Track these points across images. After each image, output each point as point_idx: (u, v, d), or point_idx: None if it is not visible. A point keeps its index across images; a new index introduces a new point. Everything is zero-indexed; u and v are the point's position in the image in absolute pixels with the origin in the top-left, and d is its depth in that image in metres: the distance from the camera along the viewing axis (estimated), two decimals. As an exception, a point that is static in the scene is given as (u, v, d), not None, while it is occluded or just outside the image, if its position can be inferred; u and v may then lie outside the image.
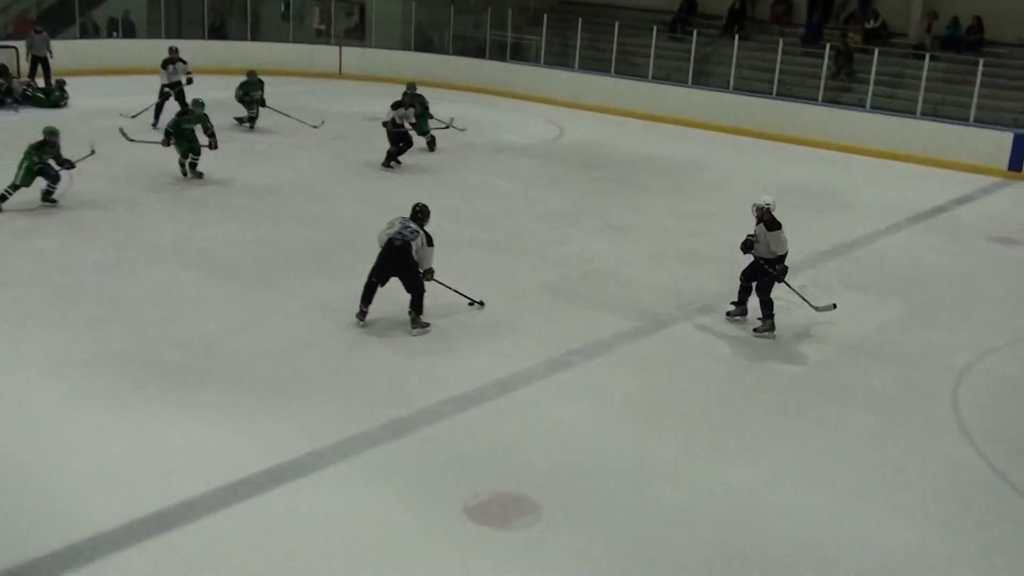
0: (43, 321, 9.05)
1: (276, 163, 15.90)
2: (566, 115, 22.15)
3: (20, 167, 12.34)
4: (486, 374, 8.45)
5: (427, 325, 9.26)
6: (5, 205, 12.25)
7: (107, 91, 20.89)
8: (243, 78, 18.84)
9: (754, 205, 9.55)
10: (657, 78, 22.94)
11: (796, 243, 10.01)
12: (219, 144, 14.73)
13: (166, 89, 18.14)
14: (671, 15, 25.06)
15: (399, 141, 16.05)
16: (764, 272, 9.61)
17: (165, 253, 11.04)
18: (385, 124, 16.10)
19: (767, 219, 9.46)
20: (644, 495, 6.67)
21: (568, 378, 8.55)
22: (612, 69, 23.52)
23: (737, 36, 22.33)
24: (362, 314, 9.23)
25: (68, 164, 12.69)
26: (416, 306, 9.24)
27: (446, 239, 12.15)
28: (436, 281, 9.41)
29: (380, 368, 8.51)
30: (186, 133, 14.36)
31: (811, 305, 9.90)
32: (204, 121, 14.52)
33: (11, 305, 9.39)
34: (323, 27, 27.65)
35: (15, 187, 12.27)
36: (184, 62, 18.61)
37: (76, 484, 6.43)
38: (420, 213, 9.37)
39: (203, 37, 25.52)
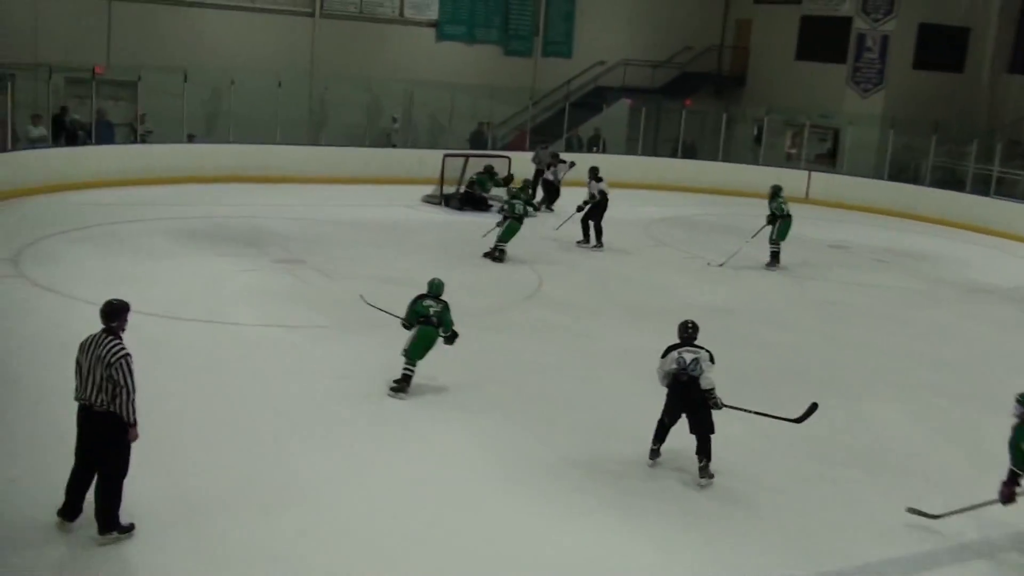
0: (496, 413, 9.63)
1: (733, 283, 15.90)
2: (1052, 258, 20.14)
3: None
4: (939, 535, 7.70)
5: (712, 476, 8.30)
6: None
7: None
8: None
9: None
10: None
11: None
12: None
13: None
14: None
15: None
16: None
17: (615, 360, 11.36)
18: None
19: None
20: None
21: (1035, 557, 7.55)
22: (1117, 212, 21.13)
23: None
24: (654, 453, 8.59)
25: None
26: (706, 451, 8.28)
27: (900, 380, 11.55)
28: (731, 407, 8.43)
29: (820, 512, 8.06)
30: None
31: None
32: None
33: (469, 393, 10.10)
34: (794, 151, 27.59)
35: None
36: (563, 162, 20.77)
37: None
38: (694, 331, 8.47)
39: (675, 156, 26.51)
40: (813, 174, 25.48)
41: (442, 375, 10.52)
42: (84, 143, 20.46)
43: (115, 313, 6.72)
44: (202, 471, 7.86)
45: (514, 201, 16.65)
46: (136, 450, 6.70)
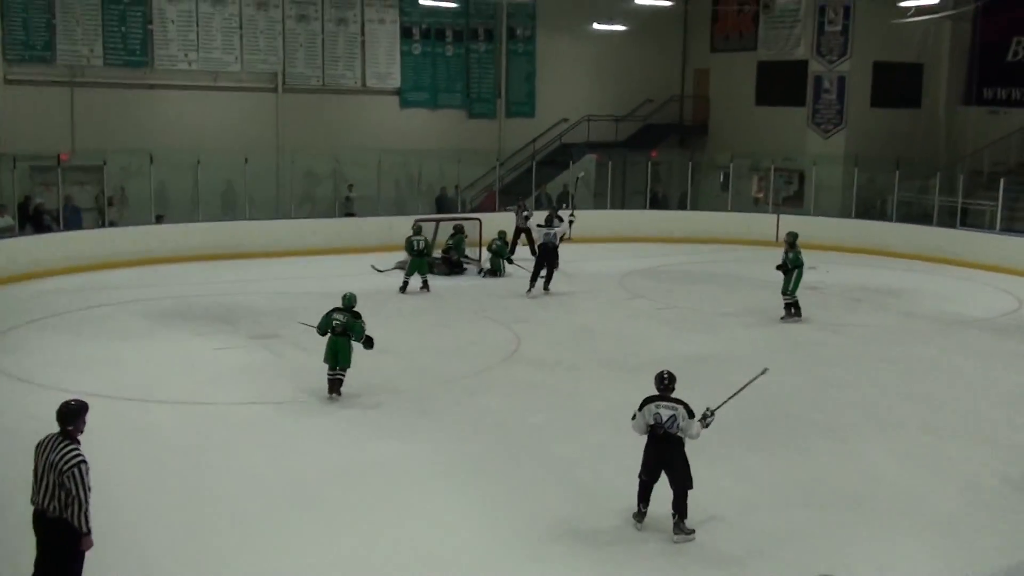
0: (484, 477, 9.52)
1: (710, 331, 15.89)
2: (1025, 285, 20.30)
3: None
4: (936, 574, 7.63)
5: (692, 533, 8.17)
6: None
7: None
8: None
9: None
10: None
11: None
12: None
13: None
14: None
15: None
16: None
17: (599, 417, 11.28)
18: None
19: None
20: None
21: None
22: (1082, 236, 21.36)
23: None
24: (640, 515, 8.38)
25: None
26: (681, 507, 8.14)
27: (885, 418, 11.53)
28: (717, 409, 8.40)
29: (813, 561, 7.96)
30: None
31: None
32: None
33: (456, 458, 9.99)
34: (761, 195, 27.86)
35: None
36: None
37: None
38: (671, 382, 8.31)
39: (644, 207, 26.69)
40: (782, 217, 25.66)
41: (427, 440, 10.44)
42: (49, 228, 20.33)
43: (71, 415, 6.35)
44: (187, 567, 7.63)
45: (414, 238, 18.27)
46: (115, 546, 6.51)
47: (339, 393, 11.54)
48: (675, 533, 8.16)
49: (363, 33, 25.90)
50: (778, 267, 16.44)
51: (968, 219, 24.09)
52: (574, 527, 8.40)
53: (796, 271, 16.26)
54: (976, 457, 10.29)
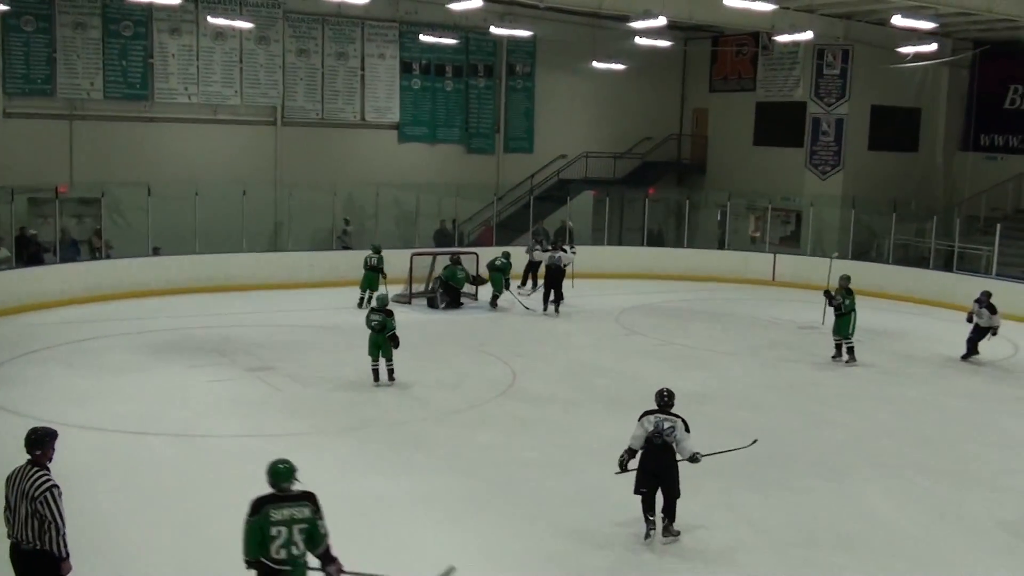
0: (479, 513, 9.47)
1: (707, 368, 15.88)
2: (1020, 330, 20.30)
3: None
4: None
5: (678, 533, 8.70)
6: None
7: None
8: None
9: None
10: None
11: None
12: None
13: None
14: None
15: None
16: None
17: (594, 453, 11.23)
18: None
19: None
20: None
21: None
22: (1077, 281, 21.39)
23: None
24: (651, 524, 8.65)
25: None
26: (671, 512, 8.67)
27: (881, 459, 11.50)
28: (706, 455, 8.76)
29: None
30: None
31: None
32: None
33: (451, 494, 9.94)
34: (758, 234, 27.94)
35: None
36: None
37: None
38: (670, 399, 8.77)
39: (641, 244, 26.75)
40: (778, 256, 25.74)
41: (421, 474, 10.39)
42: (42, 260, 20.26)
43: (39, 441, 6.33)
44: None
45: (372, 256, 19.95)
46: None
47: (391, 379, 13.67)
48: (665, 534, 8.60)
49: (363, 68, 26.05)
50: (836, 312, 16.49)
51: (964, 263, 24.14)
52: (567, 563, 8.36)
53: (852, 314, 16.34)
54: (972, 500, 10.26)
